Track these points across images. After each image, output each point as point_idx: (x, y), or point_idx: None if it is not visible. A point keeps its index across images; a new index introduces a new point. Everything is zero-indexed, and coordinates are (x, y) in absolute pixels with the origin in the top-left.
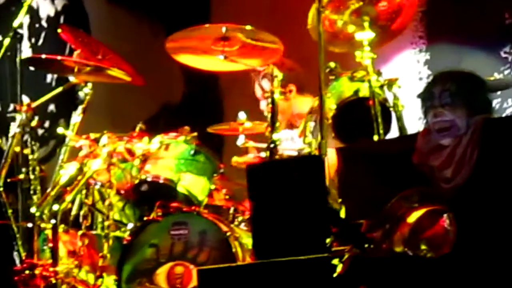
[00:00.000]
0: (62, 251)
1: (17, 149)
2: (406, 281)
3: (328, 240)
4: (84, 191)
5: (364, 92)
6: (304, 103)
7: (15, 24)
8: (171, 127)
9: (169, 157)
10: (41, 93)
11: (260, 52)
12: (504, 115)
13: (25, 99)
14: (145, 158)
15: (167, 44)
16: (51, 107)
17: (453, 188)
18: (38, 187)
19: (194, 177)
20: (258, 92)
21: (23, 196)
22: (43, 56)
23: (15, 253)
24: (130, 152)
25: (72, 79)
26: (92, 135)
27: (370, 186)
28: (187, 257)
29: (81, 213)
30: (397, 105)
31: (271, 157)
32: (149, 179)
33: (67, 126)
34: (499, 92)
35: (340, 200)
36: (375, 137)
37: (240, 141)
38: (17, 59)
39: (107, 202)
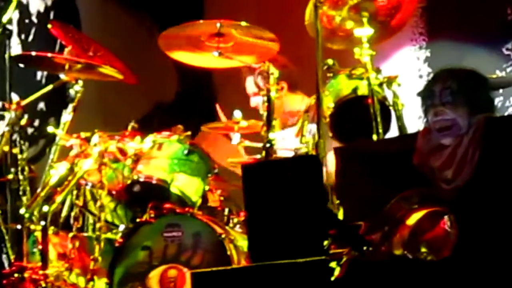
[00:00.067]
0: (52, 253)
1: (6, 148)
2: (406, 285)
3: (325, 243)
4: (74, 192)
5: (363, 90)
6: (296, 101)
7: (4, 19)
8: (164, 126)
9: (162, 157)
10: (31, 91)
11: (256, 48)
12: (506, 114)
13: (15, 97)
14: (137, 158)
15: (160, 41)
16: (41, 105)
17: (454, 189)
18: (28, 188)
19: (187, 177)
20: (250, 89)
21: (12, 197)
22: (33, 53)
23: (4, 256)
24: (122, 151)
25: (62, 76)
26: (83, 134)
27: (369, 187)
28: (180, 260)
29: (72, 214)
30: (397, 104)
31: (267, 157)
32: (141, 180)
33: (57, 125)
34: (501, 90)
35: (338, 201)
36: (374, 137)
37: (235, 140)
38: (6, 56)
39: (98, 203)
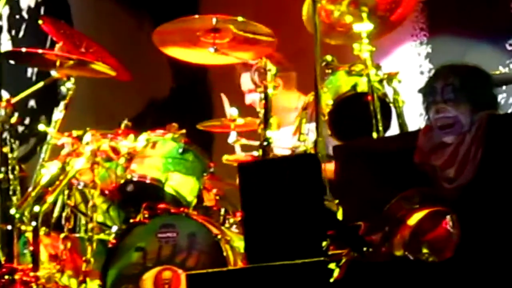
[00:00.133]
0: (44, 255)
1: None
2: (407, 287)
3: (324, 243)
4: (66, 192)
5: (363, 87)
6: (292, 98)
7: None
8: (158, 124)
9: (156, 155)
10: (21, 88)
11: (253, 44)
12: (510, 111)
13: (5, 95)
14: (130, 157)
15: (154, 36)
16: (32, 102)
17: (456, 188)
18: (18, 188)
19: (182, 176)
20: (245, 86)
21: (2, 197)
22: (24, 49)
23: None
24: (115, 150)
25: (54, 73)
26: (75, 133)
27: (369, 186)
28: (175, 261)
29: (63, 215)
30: (397, 101)
31: (264, 155)
32: (135, 179)
33: (48, 123)
34: (504, 87)
35: (337, 201)
36: (374, 135)
37: (232, 138)
38: None
39: (90, 203)
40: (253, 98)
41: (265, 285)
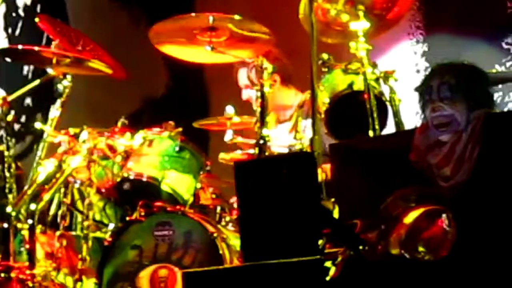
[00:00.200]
0: (40, 253)
1: None
2: (403, 285)
3: (320, 242)
4: (62, 190)
5: (359, 85)
6: (289, 95)
7: None
8: (154, 122)
9: (152, 153)
10: (17, 86)
11: (249, 43)
12: (506, 109)
13: (1, 93)
14: (127, 155)
15: (150, 34)
16: (28, 100)
17: (453, 187)
18: (14, 186)
19: (179, 174)
20: (241, 81)
21: None
22: (20, 47)
23: None
24: (112, 148)
25: (50, 71)
26: (72, 131)
27: (365, 184)
28: (171, 259)
29: (60, 213)
30: (394, 99)
31: (260, 154)
32: (131, 177)
33: (44, 120)
34: (500, 86)
35: (333, 199)
36: (371, 133)
37: (228, 136)
38: None
39: (87, 201)
40: (249, 94)
41: (261, 283)
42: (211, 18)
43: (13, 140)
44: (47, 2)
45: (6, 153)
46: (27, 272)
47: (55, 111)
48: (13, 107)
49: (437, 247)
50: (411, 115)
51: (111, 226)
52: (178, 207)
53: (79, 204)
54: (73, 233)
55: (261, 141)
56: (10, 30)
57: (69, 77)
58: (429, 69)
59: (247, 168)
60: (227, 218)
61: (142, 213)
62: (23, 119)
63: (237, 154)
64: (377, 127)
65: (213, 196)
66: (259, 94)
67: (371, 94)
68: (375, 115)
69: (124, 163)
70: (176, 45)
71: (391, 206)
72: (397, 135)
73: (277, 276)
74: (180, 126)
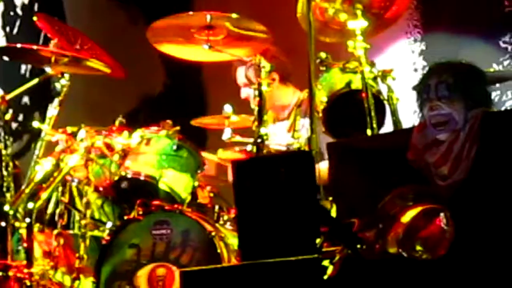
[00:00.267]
0: (37, 251)
1: None
2: (401, 284)
3: (318, 241)
4: (60, 188)
5: (357, 84)
6: (287, 94)
7: None
8: (152, 121)
9: (150, 152)
10: (15, 85)
11: (247, 41)
12: (503, 108)
13: None
14: (125, 154)
15: (148, 33)
16: (25, 99)
17: (450, 186)
18: (12, 184)
19: (176, 173)
20: (240, 79)
21: None
22: (19, 45)
23: None
24: (109, 147)
25: (48, 70)
26: (69, 129)
27: (363, 183)
28: (169, 258)
29: (57, 211)
30: (392, 98)
31: (258, 152)
32: (129, 176)
33: (42, 119)
34: (498, 85)
35: (331, 198)
36: (368, 132)
37: (226, 135)
38: None
39: (84, 200)
40: (248, 92)
41: (259, 282)
42: (208, 17)
43: (11, 138)
44: (44, 1)
45: (3, 152)
46: (25, 270)
47: (53, 110)
48: (11, 106)
49: (434, 246)
50: (409, 114)
51: (109, 224)
52: (176, 206)
53: (77, 203)
54: (71, 231)
55: (259, 140)
56: (8, 29)
57: (67, 76)
58: (426, 68)
59: (245, 167)
60: (225, 217)
61: (140, 212)
62: (20, 117)
63: (236, 153)
64: (375, 126)
65: (211, 194)
66: (257, 92)
67: (369, 93)
68: (373, 114)
69: (121, 161)
70: (174, 44)
71: (389, 205)
72: (395, 134)
73: (275, 275)
74: (177, 125)
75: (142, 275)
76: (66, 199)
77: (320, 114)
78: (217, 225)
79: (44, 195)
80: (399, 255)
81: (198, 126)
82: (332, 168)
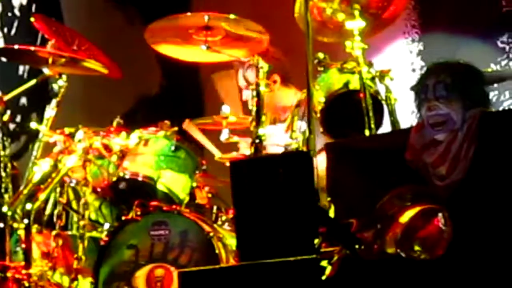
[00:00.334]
0: (36, 252)
1: None
2: (399, 284)
3: (316, 241)
4: (58, 189)
5: (355, 84)
6: (289, 95)
7: None
8: (150, 122)
9: (148, 153)
10: (13, 86)
11: (245, 42)
12: (501, 108)
13: None
14: (123, 155)
15: (146, 34)
16: (23, 100)
17: (448, 186)
18: (10, 185)
19: (174, 174)
20: (241, 82)
21: None
22: (16, 46)
23: None
24: (107, 148)
25: (46, 71)
26: (67, 130)
27: (361, 183)
28: (167, 259)
29: (55, 212)
30: (390, 98)
31: (256, 153)
32: (127, 177)
33: (40, 120)
34: (496, 85)
35: (329, 198)
36: (366, 132)
37: (224, 136)
38: None
39: (82, 201)
40: (248, 94)
41: (257, 282)
42: (206, 17)
43: (9, 139)
44: (42, 2)
45: (1, 153)
46: (23, 271)
47: (50, 111)
48: (9, 107)
49: (433, 246)
50: (407, 114)
51: (107, 225)
52: (174, 206)
53: (74, 204)
54: (69, 232)
55: (257, 141)
56: (5, 30)
57: (64, 76)
58: (424, 68)
59: (243, 168)
60: (223, 218)
61: (138, 213)
62: (18, 118)
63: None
64: (372, 126)
65: (209, 195)
66: (254, 93)
67: (367, 93)
68: (370, 114)
69: (119, 162)
70: (172, 44)
71: (387, 205)
72: (393, 134)
73: (273, 276)
74: (175, 126)
75: (140, 275)
76: (64, 200)
77: (318, 115)
78: (215, 225)
79: (42, 196)
80: (398, 255)
81: (196, 127)
82: (330, 168)
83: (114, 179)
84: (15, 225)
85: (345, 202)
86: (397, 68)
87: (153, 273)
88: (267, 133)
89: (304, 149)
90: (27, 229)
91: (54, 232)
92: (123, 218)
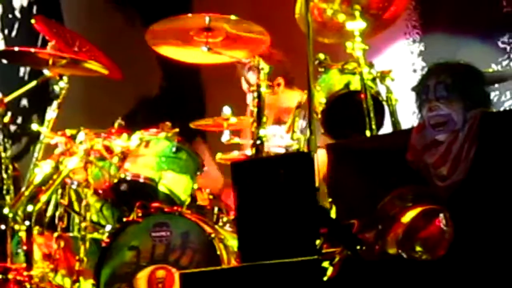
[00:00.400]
0: (37, 254)
1: None
2: (400, 285)
3: (317, 242)
4: (60, 191)
5: (356, 85)
6: (293, 97)
7: None
8: (151, 123)
9: (149, 154)
10: (14, 88)
11: (246, 43)
12: (502, 109)
13: None
14: (124, 156)
15: (147, 35)
16: (24, 102)
17: (449, 186)
18: (11, 187)
19: (176, 175)
20: (245, 86)
21: None
22: (16, 48)
23: None
24: (109, 149)
25: (46, 72)
26: (68, 132)
27: (362, 184)
28: (169, 260)
29: (57, 214)
30: (390, 99)
31: (257, 154)
32: (128, 178)
33: (41, 122)
34: (497, 85)
35: (330, 199)
36: (367, 133)
37: (225, 137)
38: None
39: (84, 203)
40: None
41: (259, 283)
42: (207, 19)
43: (10, 141)
44: (43, 3)
45: (3, 155)
46: (25, 273)
47: (51, 113)
48: (10, 109)
49: (434, 247)
50: (408, 115)
51: (108, 227)
52: (175, 208)
53: (76, 205)
54: (71, 234)
55: (258, 142)
56: (6, 32)
57: (65, 78)
58: (425, 69)
59: (244, 169)
60: (225, 219)
61: (139, 214)
62: (19, 120)
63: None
64: (373, 126)
65: (210, 196)
66: (255, 94)
67: (368, 94)
68: (371, 115)
69: (121, 164)
70: (173, 46)
71: (388, 206)
72: (394, 135)
73: (274, 277)
74: (176, 127)
75: (141, 277)
76: (65, 201)
77: (319, 116)
78: (216, 227)
79: (43, 198)
80: (399, 255)
81: (197, 128)
82: (331, 169)
83: (116, 180)
84: (16, 227)
85: (346, 202)
86: (398, 68)
87: (154, 275)
88: (270, 133)
89: (305, 149)
90: (29, 231)
91: (55, 234)
92: (125, 219)
